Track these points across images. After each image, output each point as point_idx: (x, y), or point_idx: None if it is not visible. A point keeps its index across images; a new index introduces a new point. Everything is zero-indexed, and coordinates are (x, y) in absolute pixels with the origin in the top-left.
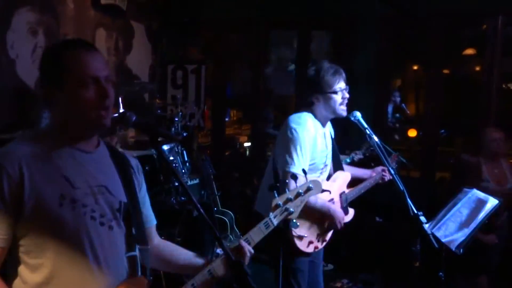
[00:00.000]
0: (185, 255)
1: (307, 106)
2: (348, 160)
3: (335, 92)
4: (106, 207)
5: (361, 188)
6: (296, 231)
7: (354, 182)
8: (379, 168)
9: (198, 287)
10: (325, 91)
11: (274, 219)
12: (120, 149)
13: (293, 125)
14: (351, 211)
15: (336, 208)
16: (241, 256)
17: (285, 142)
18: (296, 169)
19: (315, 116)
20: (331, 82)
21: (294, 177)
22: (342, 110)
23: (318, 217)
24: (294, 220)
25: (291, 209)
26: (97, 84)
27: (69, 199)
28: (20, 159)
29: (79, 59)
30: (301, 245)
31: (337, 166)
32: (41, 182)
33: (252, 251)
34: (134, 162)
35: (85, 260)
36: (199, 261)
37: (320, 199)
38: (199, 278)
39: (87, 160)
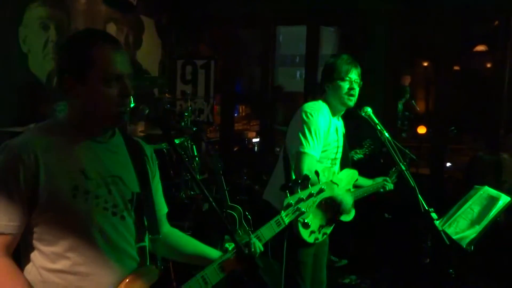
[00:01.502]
0: (193, 245)
1: (320, 95)
2: None
3: (343, 80)
4: (119, 198)
5: (364, 191)
6: (303, 217)
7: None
8: (380, 179)
9: (208, 279)
10: (334, 78)
11: (286, 217)
12: (135, 138)
13: (307, 109)
14: (352, 211)
15: (346, 195)
16: (251, 252)
17: (299, 124)
18: (310, 150)
19: (328, 105)
20: (342, 70)
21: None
22: (348, 99)
23: (324, 208)
24: (307, 220)
25: (303, 209)
26: (120, 82)
27: (82, 190)
28: (36, 149)
29: (106, 55)
30: (304, 233)
31: (345, 163)
32: (56, 173)
33: (262, 248)
34: (149, 150)
35: (98, 250)
36: (209, 252)
37: (336, 189)
38: (209, 271)
39: (102, 150)
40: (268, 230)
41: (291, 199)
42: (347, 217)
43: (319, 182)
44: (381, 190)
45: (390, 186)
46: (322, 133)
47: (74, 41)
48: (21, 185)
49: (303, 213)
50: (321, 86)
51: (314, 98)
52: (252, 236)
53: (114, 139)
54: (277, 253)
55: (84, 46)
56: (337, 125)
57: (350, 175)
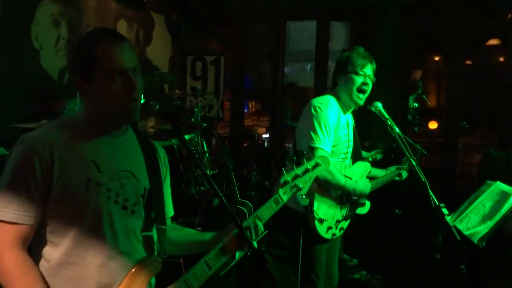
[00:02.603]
0: (190, 234)
1: (331, 89)
2: (378, 157)
3: (357, 73)
4: (131, 192)
5: (378, 181)
6: (318, 214)
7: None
8: (393, 168)
9: (211, 263)
10: (348, 71)
11: (284, 195)
12: (149, 138)
13: (316, 103)
14: (368, 204)
15: (359, 185)
16: (252, 233)
17: (308, 120)
18: (321, 144)
19: (338, 100)
20: (356, 64)
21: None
22: (358, 96)
23: (339, 202)
24: (304, 196)
25: (300, 185)
26: (124, 76)
27: (95, 183)
28: (51, 143)
29: (107, 51)
30: (321, 229)
31: (357, 156)
32: (70, 165)
33: (263, 228)
34: (162, 153)
35: (108, 242)
36: (205, 237)
37: (349, 181)
38: (211, 255)
39: (115, 145)
40: (268, 210)
41: (287, 176)
42: (363, 210)
43: (315, 157)
44: (397, 178)
45: (405, 173)
46: (332, 127)
47: (80, 41)
48: (37, 176)
49: (300, 189)
50: (333, 79)
51: (324, 93)
52: (251, 218)
53: (127, 135)
54: (293, 247)
55: (88, 45)
56: (348, 119)
57: (362, 168)
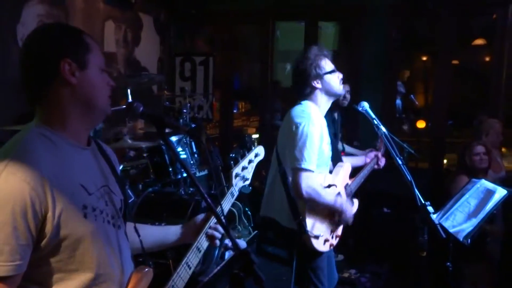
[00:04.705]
0: (155, 234)
1: (306, 96)
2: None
3: (332, 72)
4: (113, 208)
5: (361, 177)
6: (313, 232)
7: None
8: (372, 154)
9: (190, 263)
10: (319, 74)
11: (236, 187)
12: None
13: (297, 120)
14: (356, 202)
15: (347, 205)
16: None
17: (291, 138)
18: (307, 165)
19: (316, 105)
20: (323, 65)
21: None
22: (341, 88)
23: (328, 213)
24: (248, 186)
25: (247, 176)
26: (105, 71)
27: (90, 208)
28: (41, 171)
29: (95, 44)
30: (318, 244)
31: (336, 157)
32: (63, 195)
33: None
34: (110, 151)
35: (108, 266)
36: (171, 237)
37: (338, 199)
38: (191, 256)
39: (89, 159)
40: (227, 203)
41: (237, 170)
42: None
43: (252, 148)
44: (375, 167)
45: (382, 161)
46: (317, 142)
47: (62, 27)
48: (32, 215)
49: (247, 179)
50: (306, 87)
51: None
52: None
53: (92, 145)
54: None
55: (77, 32)
56: (324, 124)
57: (345, 169)
